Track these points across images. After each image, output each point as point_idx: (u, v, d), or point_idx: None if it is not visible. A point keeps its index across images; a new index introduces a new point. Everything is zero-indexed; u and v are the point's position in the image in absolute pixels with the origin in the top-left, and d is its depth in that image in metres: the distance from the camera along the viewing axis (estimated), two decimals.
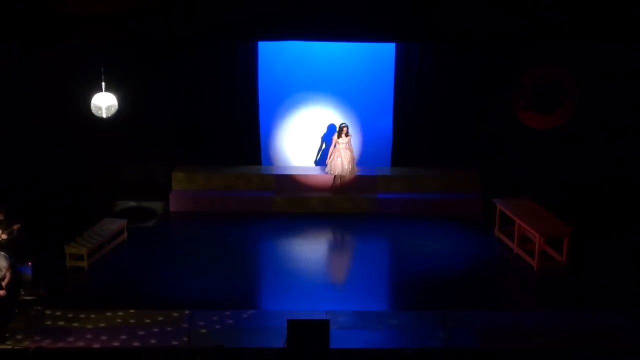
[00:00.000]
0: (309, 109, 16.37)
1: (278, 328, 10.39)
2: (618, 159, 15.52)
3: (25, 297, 11.20)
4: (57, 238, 13.29)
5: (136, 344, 10.37)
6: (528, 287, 12.79)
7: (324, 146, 16.37)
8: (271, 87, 16.23)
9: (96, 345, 10.31)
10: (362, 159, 16.44)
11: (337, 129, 15.70)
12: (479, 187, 15.91)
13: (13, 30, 12.23)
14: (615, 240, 14.01)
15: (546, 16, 13.36)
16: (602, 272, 12.82)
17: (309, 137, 16.49)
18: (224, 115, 16.17)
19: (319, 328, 9.63)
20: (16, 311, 10.95)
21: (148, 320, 10.93)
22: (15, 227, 11.57)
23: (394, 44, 15.82)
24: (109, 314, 11.07)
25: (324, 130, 16.36)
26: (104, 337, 10.48)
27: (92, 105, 13.02)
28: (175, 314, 11.09)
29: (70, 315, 11.01)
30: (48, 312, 11.08)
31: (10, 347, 10.20)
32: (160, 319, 10.96)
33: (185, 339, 10.44)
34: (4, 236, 11.37)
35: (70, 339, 10.45)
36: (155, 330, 10.67)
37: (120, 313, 11.08)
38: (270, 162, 16.59)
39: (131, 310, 11.14)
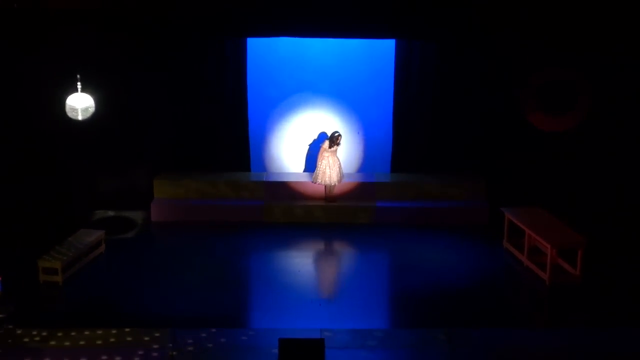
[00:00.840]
0: (302, 111, 16.38)
1: (269, 348, 10.35)
2: (637, 163, 15.53)
3: None
4: (29, 251, 13.24)
5: None
6: (539, 303, 12.76)
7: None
8: (261, 87, 16.23)
9: None
10: (360, 165, 16.44)
11: (330, 138, 15.65)
12: (486, 195, 15.92)
13: None
14: (633, 252, 14.02)
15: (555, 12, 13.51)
16: (619, 286, 12.81)
17: (302, 141, 16.49)
18: (211, 118, 16.16)
19: (313, 348, 9.57)
20: None
21: (130, 339, 10.87)
22: None
23: (394, 40, 15.84)
24: (87, 332, 11.01)
25: (315, 137, 16.37)
26: (83, 359, 10.41)
27: (67, 106, 13.00)
28: (158, 333, 11.04)
29: (44, 334, 10.93)
30: (19, 331, 11.00)
31: None
32: (146, 338, 10.89)
33: (170, 359, 10.38)
34: None
35: None
36: (140, 352, 10.58)
37: (100, 332, 11.02)
38: (260, 168, 16.59)
39: (113, 330, 11.07)
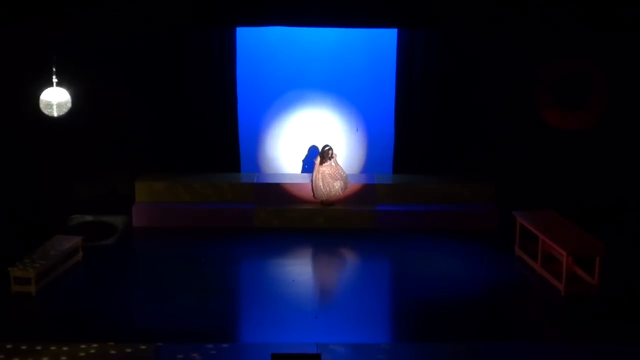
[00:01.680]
0: (296, 106, 16.40)
1: None
2: None
3: None
4: (0, 259, 13.19)
5: None
6: (554, 315, 12.76)
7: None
8: (252, 81, 16.26)
9: None
10: (359, 165, 16.44)
11: (320, 153, 15.66)
12: (495, 198, 15.92)
13: None
14: None
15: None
16: None
17: (296, 138, 16.49)
18: (197, 115, 16.18)
19: None
20: None
21: (114, 352, 10.83)
22: None
23: (396, 30, 15.84)
24: (65, 348, 10.96)
25: (311, 137, 16.40)
26: None
27: (41, 101, 12.99)
28: (143, 347, 11.01)
29: (24, 347, 10.88)
30: None
31: None
32: (128, 350, 10.85)
33: None
34: None
35: None
36: None
37: (83, 346, 10.97)
38: (252, 168, 16.59)
39: (94, 344, 11.04)
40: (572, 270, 13.14)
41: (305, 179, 16.11)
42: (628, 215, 15.31)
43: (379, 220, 15.68)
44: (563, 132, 15.54)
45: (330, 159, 15.60)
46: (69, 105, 13.10)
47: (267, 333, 11.69)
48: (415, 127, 16.30)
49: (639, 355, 11.09)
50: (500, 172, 16.10)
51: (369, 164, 16.60)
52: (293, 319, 12.13)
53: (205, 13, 14.70)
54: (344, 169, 15.93)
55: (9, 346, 10.91)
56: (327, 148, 15.65)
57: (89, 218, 15.98)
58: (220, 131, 16.29)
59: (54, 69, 12.92)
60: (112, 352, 10.83)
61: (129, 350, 10.88)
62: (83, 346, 10.94)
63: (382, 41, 16.03)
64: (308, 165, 16.35)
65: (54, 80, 12.97)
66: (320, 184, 15.56)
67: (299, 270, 14.15)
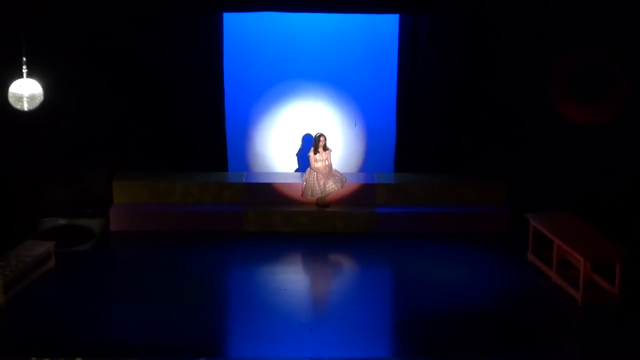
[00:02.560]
0: (289, 99, 16.42)
1: None
2: None
3: None
4: None
5: None
6: (570, 326, 12.75)
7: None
8: (240, 71, 16.27)
9: None
10: (357, 164, 16.43)
11: (313, 142, 15.63)
12: (506, 199, 15.93)
13: None
14: None
15: None
16: None
17: (288, 134, 16.48)
18: (181, 108, 16.18)
19: None
20: None
21: None
22: None
23: (397, 15, 15.83)
24: None
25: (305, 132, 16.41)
26: None
27: (9, 94, 12.96)
28: None
29: None
30: None
31: None
32: None
33: None
34: None
35: None
36: None
37: None
38: (240, 167, 16.58)
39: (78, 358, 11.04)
40: (590, 278, 13.14)
41: (298, 178, 16.10)
42: None
43: (378, 223, 15.68)
44: (580, 127, 15.55)
45: (324, 149, 15.53)
46: (41, 98, 13.06)
47: (258, 347, 11.65)
48: (419, 122, 16.31)
49: None
50: (511, 170, 16.11)
51: (368, 162, 16.62)
52: (285, 331, 12.09)
53: None
54: (340, 167, 15.95)
55: None
56: (317, 134, 15.59)
57: (62, 221, 15.95)
58: (205, 126, 16.28)
59: (24, 58, 12.89)
60: None
61: None
62: None
63: (383, 28, 16.04)
64: (302, 161, 16.30)
65: (24, 70, 12.93)
66: (314, 180, 15.51)
67: (292, 279, 14.14)
